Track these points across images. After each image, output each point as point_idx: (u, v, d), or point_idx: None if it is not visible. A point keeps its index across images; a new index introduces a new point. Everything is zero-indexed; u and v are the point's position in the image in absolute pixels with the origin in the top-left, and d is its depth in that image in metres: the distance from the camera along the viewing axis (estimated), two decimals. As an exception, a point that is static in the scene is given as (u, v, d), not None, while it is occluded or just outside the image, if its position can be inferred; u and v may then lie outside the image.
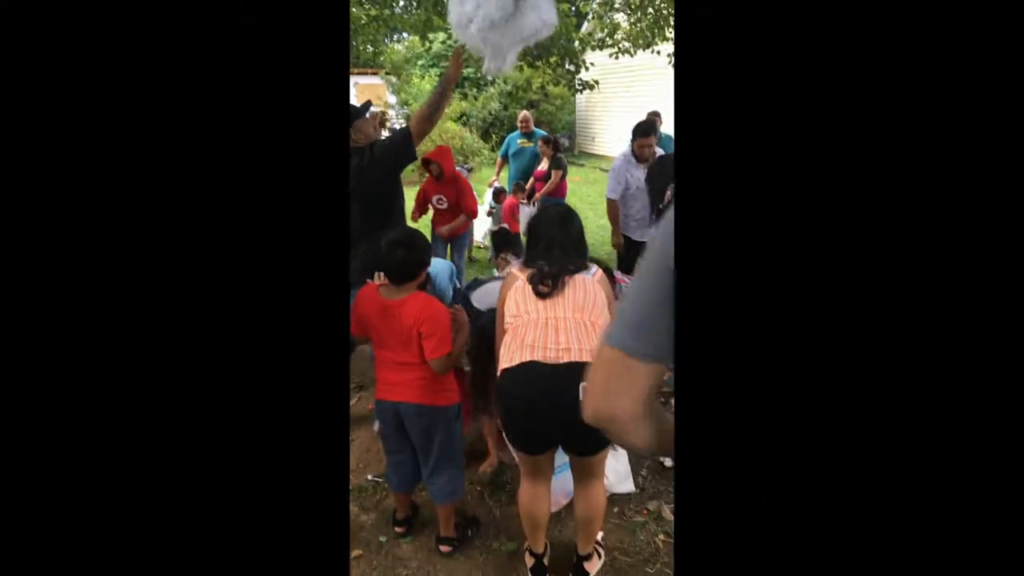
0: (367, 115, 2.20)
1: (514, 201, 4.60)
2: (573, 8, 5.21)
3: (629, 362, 0.60)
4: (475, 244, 4.92)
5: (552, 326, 1.40)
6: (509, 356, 1.40)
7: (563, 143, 5.23)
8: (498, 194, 4.87)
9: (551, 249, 1.52)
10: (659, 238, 0.61)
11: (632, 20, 4.87)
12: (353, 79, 10.69)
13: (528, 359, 1.36)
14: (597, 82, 4.69)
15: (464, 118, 11.14)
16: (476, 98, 11.84)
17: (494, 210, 4.90)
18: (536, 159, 4.79)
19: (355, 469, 2.23)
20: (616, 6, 4.79)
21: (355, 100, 11.08)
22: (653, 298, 0.59)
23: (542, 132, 5.17)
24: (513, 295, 1.50)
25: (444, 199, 3.59)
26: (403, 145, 2.07)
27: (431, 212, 3.73)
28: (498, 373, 1.43)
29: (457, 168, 3.74)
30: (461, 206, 3.61)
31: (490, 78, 11.87)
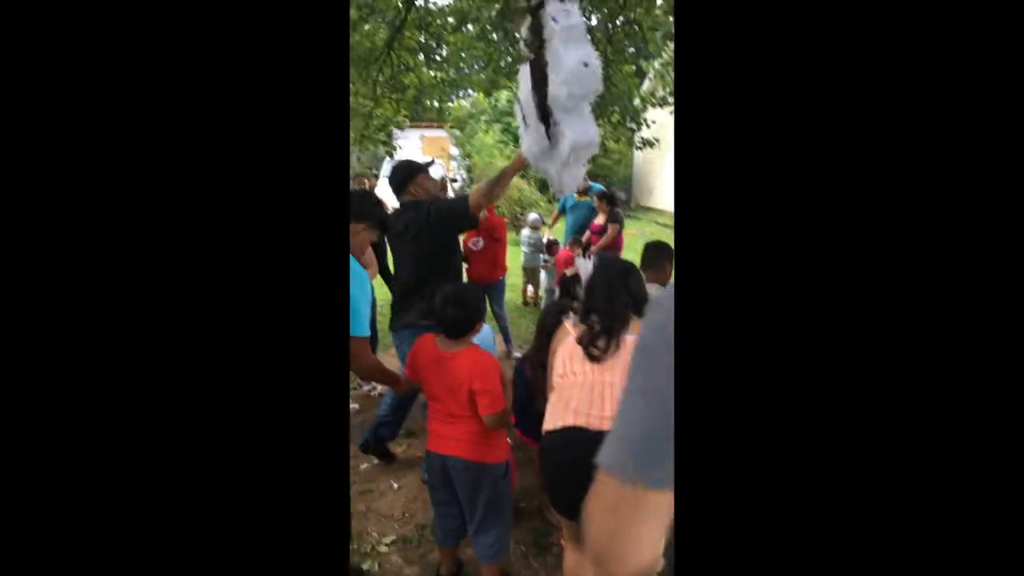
0: (432, 173, 2.31)
1: (569, 254, 4.64)
2: (635, 67, 5.34)
3: (641, 493, 0.49)
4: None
5: (599, 391, 1.36)
6: (553, 418, 1.38)
7: (620, 197, 5.26)
8: (551, 246, 4.89)
9: (609, 306, 1.50)
10: (653, 328, 0.52)
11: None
12: (419, 132, 11.26)
13: (571, 423, 1.33)
14: (657, 140, 4.74)
15: (523, 172, 11.40)
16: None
17: (547, 263, 4.93)
18: (592, 213, 4.83)
19: (401, 518, 2.22)
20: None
21: (420, 152, 11.61)
22: (665, 403, 0.49)
23: (599, 186, 5.22)
24: (563, 352, 1.49)
25: (480, 240, 3.67)
26: (462, 214, 2.15)
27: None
28: (542, 431, 1.41)
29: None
30: (494, 238, 3.65)
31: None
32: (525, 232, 5.11)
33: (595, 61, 1.76)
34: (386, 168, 8.80)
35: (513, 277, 4.72)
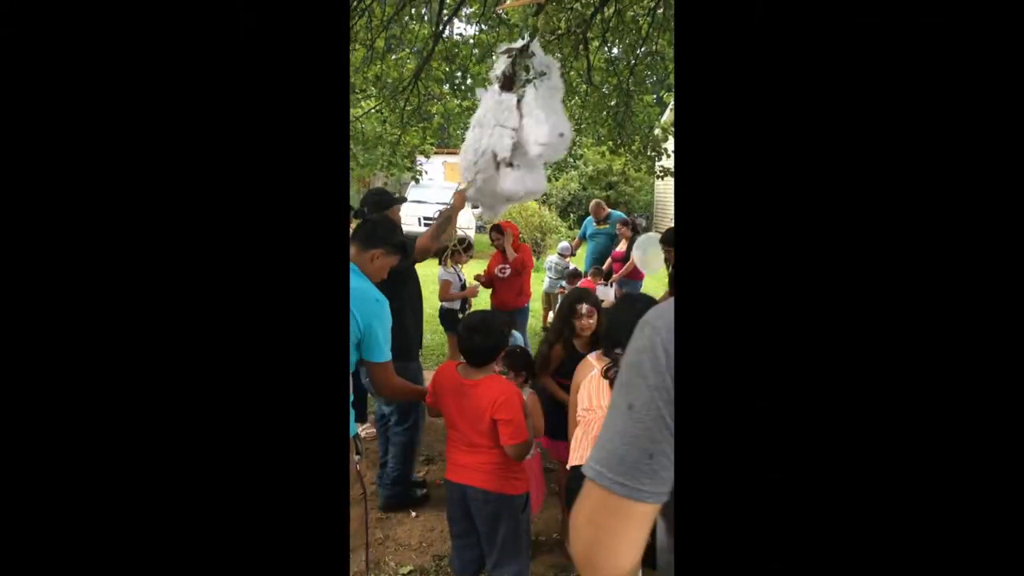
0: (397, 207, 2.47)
1: (590, 284, 4.63)
2: (656, 98, 5.39)
3: (622, 504, 0.49)
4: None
5: None
6: (580, 453, 1.36)
7: (640, 224, 5.25)
8: (572, 276, 4.88)
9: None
10: (639, 348, 0.53)
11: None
12: (442, 158, 11.43)
13: None
14: (678, 169, 4.74)
15: (544, 197, 11.50)
16: (556, 179, 12.26)
17: (567, 291, 4.91)
18: (613, 241, 4.83)
19: (418, 547, 2.20)
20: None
21: (443, 178, 11.78)
22: (649, 419, 0.50)
23: (620, 214, 5.23)
24: (587, 385, 1.48)
25: (507, 268, 3.70)
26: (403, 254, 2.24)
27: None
28: (568, 466, 1.39)
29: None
30: (521, 268, 3.71)
31: (571, 160, 12.32)
32: (552, 258, 5.12)
33: (568, 133, 1.99)
34: (412, 192, 8.94)
35: (534, 303, 4.73)
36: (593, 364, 1.52)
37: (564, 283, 4.90)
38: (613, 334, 1.54)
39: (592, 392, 1.45)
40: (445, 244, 2.42)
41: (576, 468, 1.35)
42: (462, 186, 2.22)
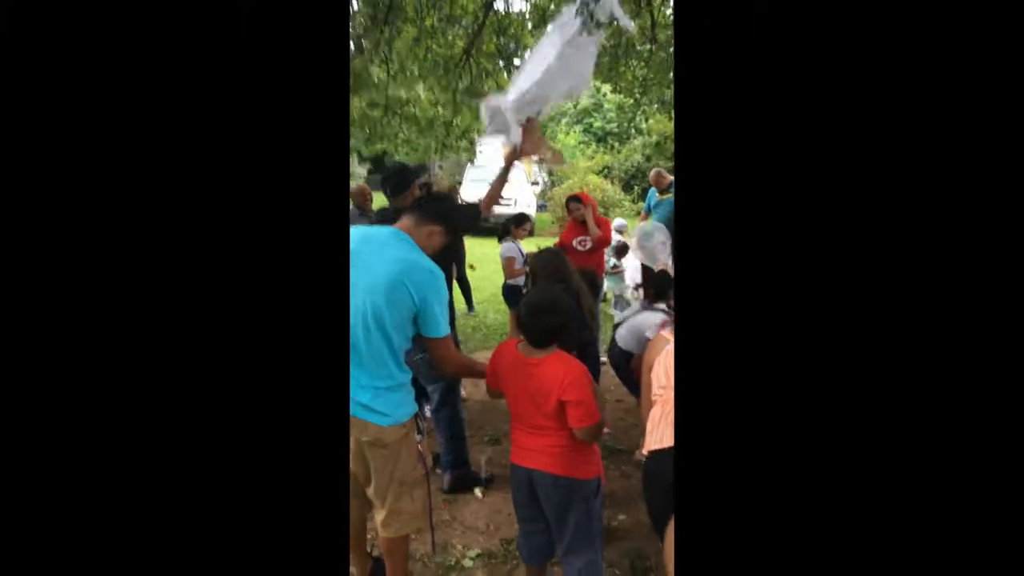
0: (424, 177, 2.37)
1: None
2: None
3: None
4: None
5: None
6: (659, 436, 1.24)
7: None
8: (620, 251, 4.61)
9: None
10: None
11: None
12: (499, 137, 11.31)
13: None
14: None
15: (606, 170, 11.19)
16: (619, 151, 11.88)
17: (617, 268, 4.65)
18: (681, 210, 4.57)
19: (486, 530, 2.15)
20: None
21: (501, 157, 11.63)
22: None
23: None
24: (663, 362, 1.34)
25: (588, 240, 3.55)
26: (473, 216, 2.18)
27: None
28: (645, 452, 1.27)
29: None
30: (602, 237, 3.56)
31: (634, 131, 11.90)
32: (610, 258, 4.86)
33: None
34: (470, 173, 8.89)
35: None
36: (667, 339, 1.38)
37: (615, 261, 4.65)
38: (661, 283, 1.38)
39: (668, 368, 1.32)
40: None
41: (657, 453, 1.23)
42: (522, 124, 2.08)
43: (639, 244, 3.11)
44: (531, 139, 2.09)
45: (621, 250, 4.61)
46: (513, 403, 1.59)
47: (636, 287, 3.85)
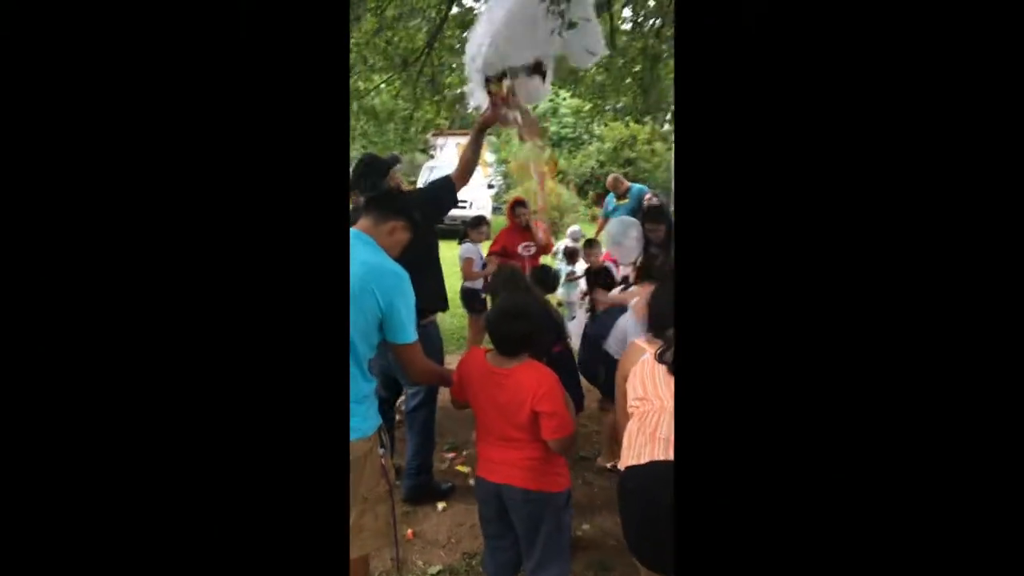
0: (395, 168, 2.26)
1: (611, 258, 4.39)
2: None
3: None
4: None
5: None
6: (636, 451, 1.19)
7: (663, 202, 4.92)
8: (571, 255, 4.45)
9: None
10: None
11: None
12: (454, 139, 11.22)
13: (662, 457, 1.15)
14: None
15: (561, 175, 11.24)
16: (574, 156, 11.96)
17: (573, 275, 4.56)
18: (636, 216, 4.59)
19: (447, 544, 2.06)
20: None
21: (455, 158, 11.50)
22: None
23: (642, 187, 5.00)
24: (639, 373, 1.29)
25: (532, 246, 3.53)
26: (450, 188, 2.09)
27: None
28: (620, 467, 1.22)
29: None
30: (546, 245, 3.58)
31: (587, 136, 12.02)
32: (562, 247, 4.78)
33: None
34: (425, 175, 8.72)
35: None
36: (643, 348, 1.34)
37: (571, 269, 4.53)
38: (663, 315, 1.35)
39: (645, 379, 1.27)
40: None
41: (635, 468, 1.18)
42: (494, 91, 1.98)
43: (615, 240, 3.07)
44: (503, 105, 1.99)
45: (572, 255, 4.56)
46: (481, 415, 1.51)
47: (583, 295, 3.81)
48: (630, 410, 1.28)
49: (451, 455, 2.66)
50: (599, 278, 3.52)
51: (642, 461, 1.16)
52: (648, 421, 1.21)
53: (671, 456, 1.13)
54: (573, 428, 1.39)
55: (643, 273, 2.30)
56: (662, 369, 1.25)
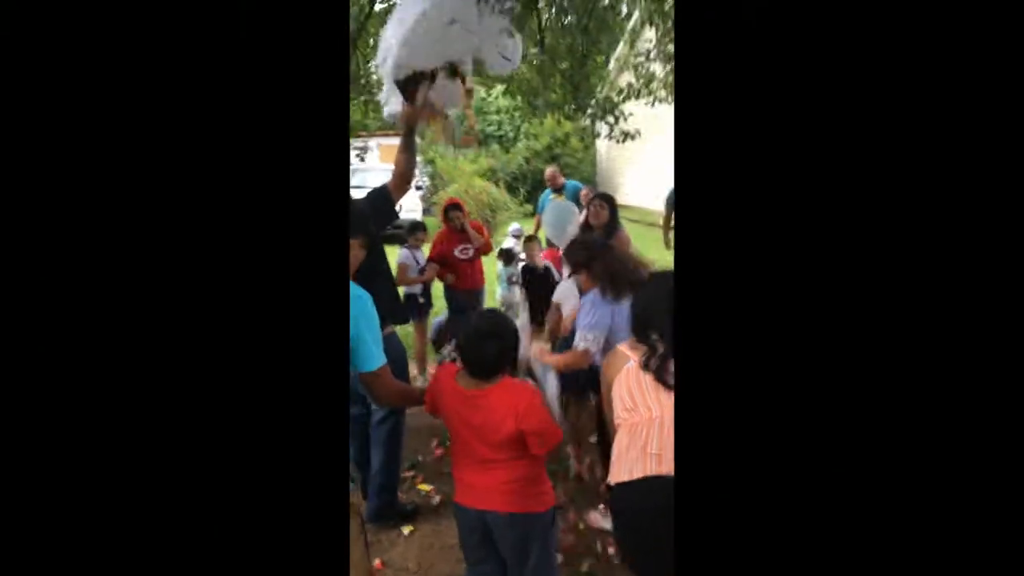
0: None
1: (556, 254, 4.33)
2: (607, 59, 5.18)
3: None
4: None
5: None
6: (628, 466, 1.14)
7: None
8: (509, 258, 4.29)
9: (671, 323, 1.23)
10: None
11: (667, 70, 4.80)
12: (375, 140, 10.84)
13: (654, 472, 1.10)
14: (639, 131, 4.56)
15: (491, 173, 11.17)
16: (507, 151, 11.91)
17: (514, 277, 4.44)
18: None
19: (417, 571, 1.95)
20: (651, 57, 4.73)
21: (378, 161, 11.14)
22: None
23: (577, 183, 5.02)
24: (625, 381, 1.24)
25: (469, 248, 3.46)
26: (385, 198, 2.00)
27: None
28: (611, 482, 1.17)
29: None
30: (486, 244, 3.53)
31: (512, 134, 12.01)
32: (507, 243, 4.67)
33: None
34: (353, 177, 8.33)
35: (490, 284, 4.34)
36: (627, 355, 1.28)
37: (511, 270, 4.42)
38: (647, 318, 1.29)
39: (632, 388, 1.22)
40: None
41: (626, 485, 1.13)
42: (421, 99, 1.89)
43: (559, 224, 3.07)
44: (420, 102, 1.92)
45: (510, 257, 4.45)
46: (455, 437, 1.42)
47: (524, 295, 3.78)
48: (618, 422, 1.23)
49: (410, 473, 2.54)
50: (539, 277, 3.49)
51: (634, 477, 1.12)
52: (638, 434, 1.16)
53: (663, 471, 1.09)
54: (560, 435, 1.35)
55: (578, 260, 2.17)
56: (648, 377, 1.20)
